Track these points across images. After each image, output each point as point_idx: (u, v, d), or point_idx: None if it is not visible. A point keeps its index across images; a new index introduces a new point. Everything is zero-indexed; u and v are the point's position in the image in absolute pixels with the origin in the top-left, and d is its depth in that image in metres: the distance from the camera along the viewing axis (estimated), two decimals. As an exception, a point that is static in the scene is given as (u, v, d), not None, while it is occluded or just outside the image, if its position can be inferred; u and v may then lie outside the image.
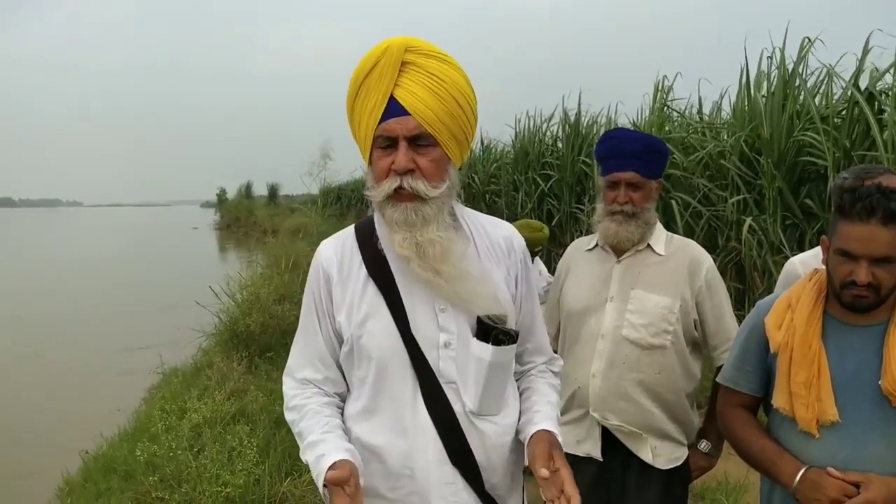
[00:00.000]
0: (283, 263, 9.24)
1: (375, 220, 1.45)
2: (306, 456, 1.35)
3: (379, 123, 1.31)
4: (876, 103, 5.44)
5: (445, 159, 1.35)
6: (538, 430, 1.39)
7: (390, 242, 1.36)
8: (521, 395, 1.53)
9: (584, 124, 9.87)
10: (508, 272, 1.47)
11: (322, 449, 1.31)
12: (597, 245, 2.26)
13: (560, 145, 10.43)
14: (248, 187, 44.93)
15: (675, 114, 8.76)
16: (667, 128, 8.34)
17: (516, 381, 1.55)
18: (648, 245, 2.17)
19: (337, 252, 1.46)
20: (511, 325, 1.42)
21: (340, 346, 1.45)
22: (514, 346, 1.43)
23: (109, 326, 11.12)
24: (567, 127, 10.07)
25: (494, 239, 1.48)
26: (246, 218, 37.24)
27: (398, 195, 1.32)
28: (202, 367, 6.24)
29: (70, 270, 20.37)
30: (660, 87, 8.50)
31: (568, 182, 9.52)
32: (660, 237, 2.18)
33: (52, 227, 64.72)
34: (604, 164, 2.18)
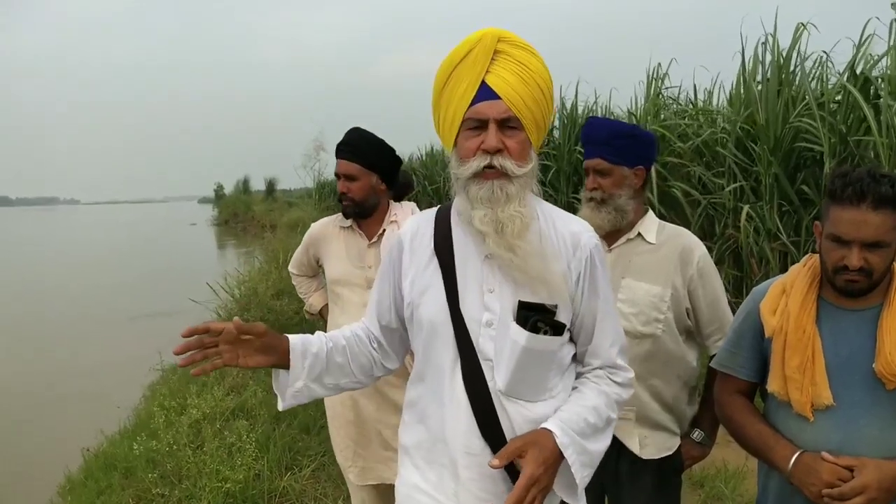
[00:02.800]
0: (281, 258, 9.24)
1: (454, 201, 1.54)
2: None
3: (470, 106, 1.39)
4: (871, 88, 5.43)
5: (528, 143, 1.43)
6: (540, 427, 1.41)
7: (469, 219, 1.43)
8: None
9: (581, 114, 9.85)
10: (569, 267, 1.47)
11: None
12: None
13: (556, 135, 10.42)
14: (246, 182, 44.81)
15: (670, 101, 8.74)
16: (662, 115, 8.32)
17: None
18: (639, 234, 2.16)
19: (415, 226, 1.59)
20: (562, 318, 1.44)
21: (393, 311, 1.61)
22: (558, 338, 1.44)
23: (110, 324, 11.12)
24: (563, 117, 10.05)
25: (561, 232, 1.50)
26: (244, 213, 37.13)
27: (485, 173, 1.40)
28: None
29: (68, 269, 20.37)
30: (655, 75, 8.49)
31: (565, 172, 9.51)
32: (651, 226, 2.18)
33: (50, 226, 64.67)
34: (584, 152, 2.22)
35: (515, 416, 1.43)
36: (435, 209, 1.61)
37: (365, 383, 1.66)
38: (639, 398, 2.08)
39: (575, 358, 1.55)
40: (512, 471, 1.42)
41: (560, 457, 1.37)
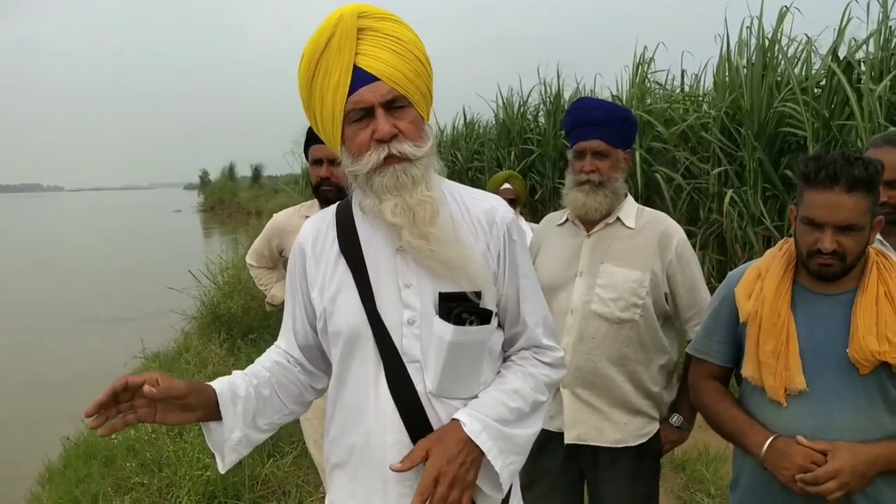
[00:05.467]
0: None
1: (353, 197, 1.42)
2: None
3: (348, 97, 1.27)
4: (854, 73, 5.43)
5: (420, 118, 1.32)
6: (450, 420, 1.31)
7: (378, 213, 1.31)
8: None
9: (567, 99, 9.82)
10: (488, 247, 1.38)
11: None
12: (567, 220, 2.23)
13: (542, 120, 10.39)
14: (231, 168, 44.50)
15: (656, 86, 8.73)
16: (648, 101, 8.31)
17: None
18: (618, 218, 2.14)
19: (314, 229, 1.45)
20: (488, 304, 1.34)
21: (308, 326, 1.46)
22: (486, 327, 1.33)
23: (89, 314, 11.02)
24: (548, 102, 10.02)
25: (474, 211, 1.40)
26: (229, 199, 36.94)
27: (385, 161, 1.28)
28: (182, 350, 6.20)
29: (49, 258, 20.18)
30: (641, 60, 8.46)
31: (550, 157, 9.50)
32: (630, 210, 2.15)
33: (33, 213, 64.00)
34: (571, 134, 2.16)
35: (448, 419, 1.33)
36: (332, 208, 1.49)
37: (299, 412, 1.51)
38: (617, 384, 2.08)
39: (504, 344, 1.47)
40: None
41: (475, 447, 1.27)
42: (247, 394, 1.37)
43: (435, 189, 1.32)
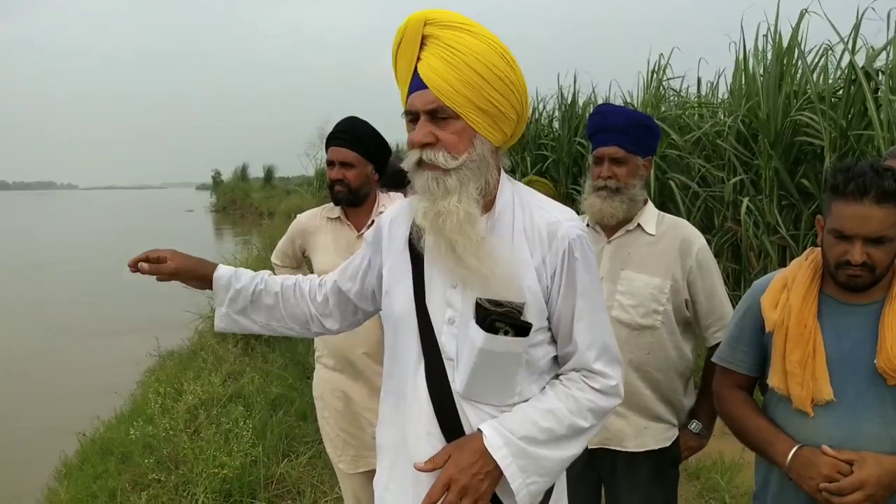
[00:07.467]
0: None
1: None
2: None
3: (407, 98, 1.34)
4: (872, 82, 5.41)
5: (469, 131, 1.32)
6: (477, 429, 1.33)
7: (415, 212, 1.37)
8: None
9: (582, 106, 9.82)
10: (544, 261, 1.35)
11: None
12: (588, 225, 2.24)
13: (556, 126, 10.39)
14: (244, 169, 44.58)
15: (671, 93, 8.71)
16: (663, 108, 8.30)
17: None
18: (639, 225, 2.14)
19: (396, 213, 1.53)
20: (530, 317, 1.33)
21: (358, 282, 1.59)
22: (522, 339, 1.32)
23: (105, 310, 11.11)
24: (563, 107, 10.03)
25: (536, 223, 1.37)
26: (242, 200, 37.10)
27: (421, 165, 1.33)
28: (197, 349, 6.24)
29: (64, 254, 20.34)
30: (656, 67, 8.45)
31: (564, 163, 9.49)
32: (651, 217, 2.16)
33: (47, 211, 64.53)
34: (592, 140, 2.17)
35: (476, 422, 1.34)
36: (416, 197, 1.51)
37: (300, 332, 1.67)
38: (638, 390, 2.08)
39: (557, 360, 1.44)
40: None
41: (491, 460, 1.28)
42: (243, 288, 1.59)
43: (470, 201, 1.31)
